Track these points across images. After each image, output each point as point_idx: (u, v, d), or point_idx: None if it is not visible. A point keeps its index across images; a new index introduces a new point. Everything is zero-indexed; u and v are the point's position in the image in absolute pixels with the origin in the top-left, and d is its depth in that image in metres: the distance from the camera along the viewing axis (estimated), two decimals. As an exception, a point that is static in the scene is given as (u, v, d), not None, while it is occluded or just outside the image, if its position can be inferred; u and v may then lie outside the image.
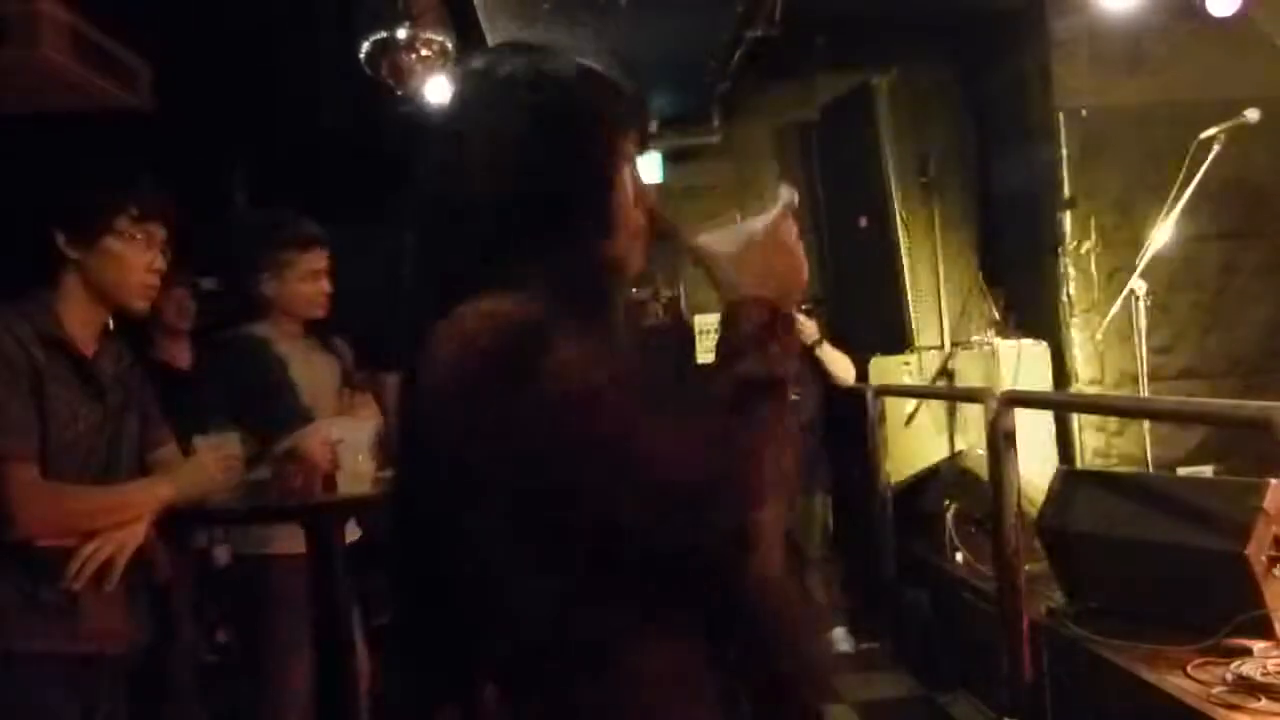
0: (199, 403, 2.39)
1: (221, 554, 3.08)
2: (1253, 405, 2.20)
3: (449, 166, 1.04)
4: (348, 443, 2.31)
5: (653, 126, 5.09)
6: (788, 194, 1.07)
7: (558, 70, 1.04)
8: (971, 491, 4.10)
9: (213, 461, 2.08)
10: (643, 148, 1.10)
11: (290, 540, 2.51)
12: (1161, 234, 3.86)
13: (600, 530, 0.89)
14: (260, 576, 2.58)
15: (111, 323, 2.03)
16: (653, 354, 0.99)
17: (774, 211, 1.05)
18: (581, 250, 1.01)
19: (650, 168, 5.09)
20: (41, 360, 1.79)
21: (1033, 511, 3.35)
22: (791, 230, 1.04)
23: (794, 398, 4.10)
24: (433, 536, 0.98)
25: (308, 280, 2.64)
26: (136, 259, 1.91)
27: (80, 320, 1.88)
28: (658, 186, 5.10)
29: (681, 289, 5.58)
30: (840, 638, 4.37)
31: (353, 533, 2.55)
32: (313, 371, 2.67)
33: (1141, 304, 3.99)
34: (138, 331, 2.55)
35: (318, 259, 2.67)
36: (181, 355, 3.37)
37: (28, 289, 1.85)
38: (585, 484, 0.88)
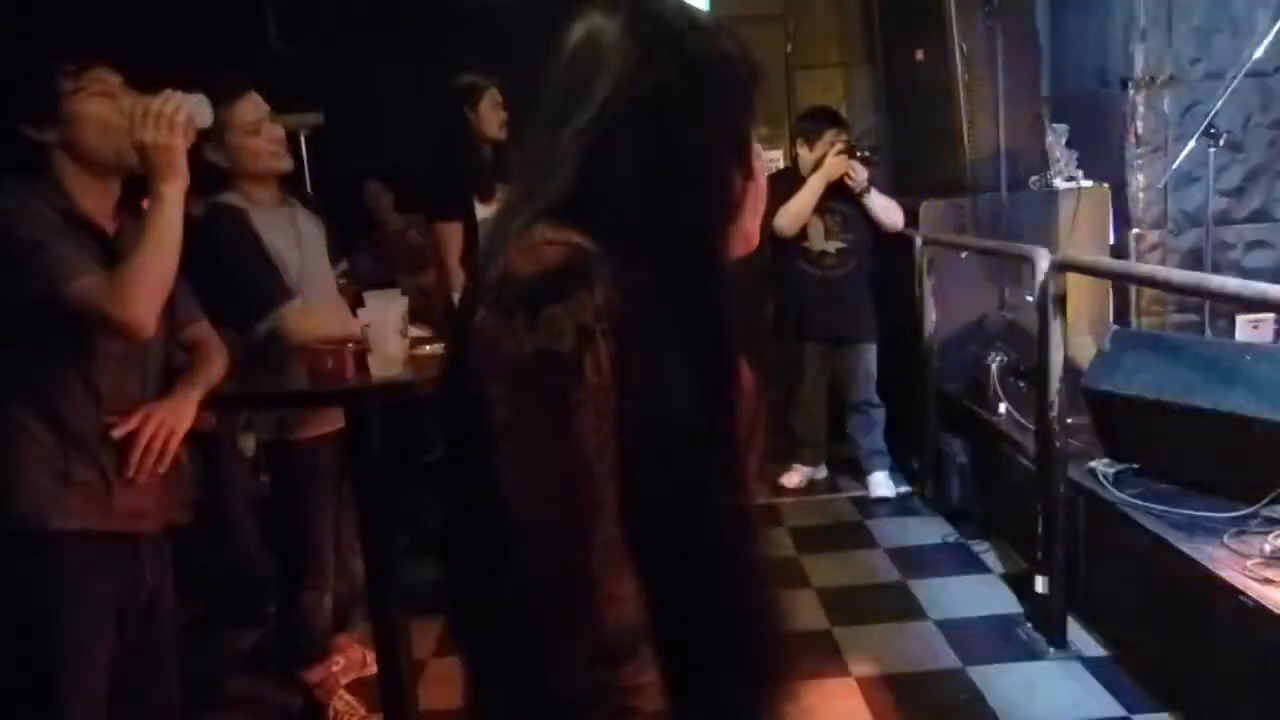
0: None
1: (248, 443, 3.07)
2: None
3: (576, 84, 0.95)
4: (376, 325, 2.26)
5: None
6: None
7: (706, 24, 0.96)
8: (1018, 343, 4.02)
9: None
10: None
11: (310, 425, 2.52)
12: (1240, 68, 3.58)
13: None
14: (282, 460, 2.58)
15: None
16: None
17: None
18: (690, 217, 0.94)
19: (694, -2, 4.77)
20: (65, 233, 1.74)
21: (1083, 364, 3.28)
22: None
23: (841, 245, 3.94)
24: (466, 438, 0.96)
25: (250, 135, 2.41)
26: (108, 114, 1.75)
27: (90, 197, 1.81)
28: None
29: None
30: (880, 482, 4.41)
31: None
32: (298, 239, 2.52)
33: (1213, 145, 3.75)
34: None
35: (249, 109, 2.42)
36: None
37: (30, 175, 1.77)
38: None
